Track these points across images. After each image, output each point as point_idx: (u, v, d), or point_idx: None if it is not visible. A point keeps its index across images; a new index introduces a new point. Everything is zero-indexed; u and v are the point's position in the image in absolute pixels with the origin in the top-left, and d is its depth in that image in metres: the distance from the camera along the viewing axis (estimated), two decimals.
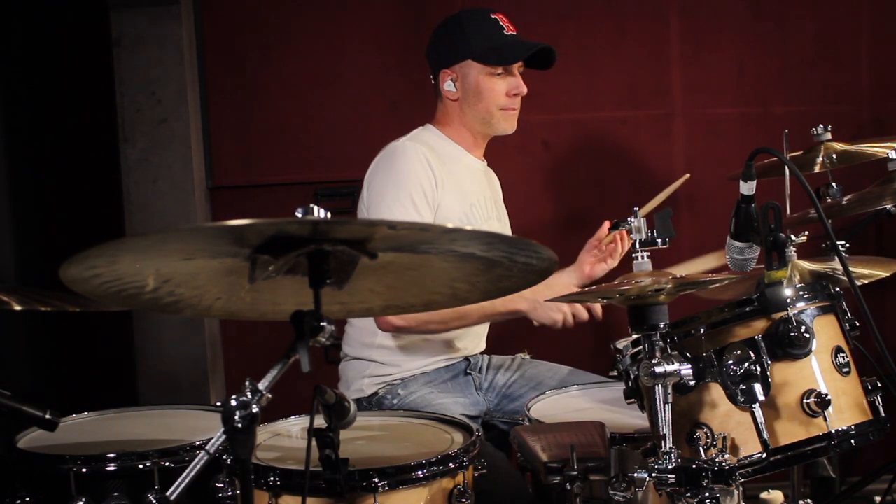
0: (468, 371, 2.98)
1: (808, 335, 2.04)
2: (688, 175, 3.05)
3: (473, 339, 3.01)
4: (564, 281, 2.96)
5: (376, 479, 2.01)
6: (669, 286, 1.97)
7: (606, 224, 3.00)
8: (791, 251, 2.31)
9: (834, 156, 3.09)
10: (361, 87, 3.87)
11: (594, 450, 2.11)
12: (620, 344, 2.15)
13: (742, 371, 2.04)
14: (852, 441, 2.07)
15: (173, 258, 1.63)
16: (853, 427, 2.07)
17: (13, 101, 3.58)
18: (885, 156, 2.88)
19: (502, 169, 3.18)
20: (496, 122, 2.93)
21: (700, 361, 2.05)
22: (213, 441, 1.64)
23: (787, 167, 2.43)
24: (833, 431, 2.04)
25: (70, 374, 3.69)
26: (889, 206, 2.94)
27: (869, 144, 3.09)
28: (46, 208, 3.72)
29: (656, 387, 1.98)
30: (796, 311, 2.07)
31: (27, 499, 2.26)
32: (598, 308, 2.82)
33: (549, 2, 3.86)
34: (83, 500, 2.22)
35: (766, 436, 2.01)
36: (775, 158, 2.42)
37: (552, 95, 3.79)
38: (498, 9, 2.95)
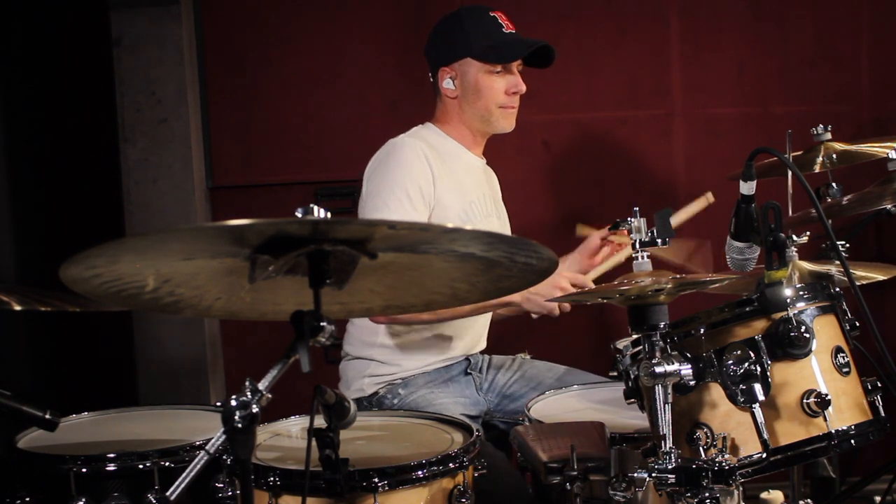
0: (468, 371, 2.98)
1: (808, 335, 2.04)
2: (710, 196, 3.02)
3: (474, 339, 3.01)
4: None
5: (376, 479, 2.01)
6: (669, 286, 1.97)
7: (603, 232, 2.99)
8: (792, 251, 2.31)
9: (834, 156, 3.09)
10: (361, 87, 3.87)
11: (594, 450, 2.11)
12: (620, 344, 2.15)
13: (742, 371, 2.04)
14: (852, 441, 2.07)
15: (173, 258, 1.63)
16: (853, 427, 2.07)
17: (13, 101, 3.58)
18: (885, 156, 2.88)
19: (502, 169, 3.18)
20: (495, 120, 2.93)
21: (700, 361, 2.05)
22: (213, 441, 1.64)
23: (787, 167, 2.44)
24: (833, 431, 2.04)
25: (70, 374, 3.69)
26: (889, 207, 2.94)
27: (869, 144, 3.10)
28: (46, 208, 3.72)
29: (656, 387, 1.98)
30: (796, 311, 2.07)
31: (27, 499, 2.26)
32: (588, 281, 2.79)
33: (549, 2, 3.87)
34: (83, 500, 2.22)
35: (766, 436, 2.01)
36: (775, 158, 2.42)
37: (552, 95, 3.79)
38: (497, 8, 2.95)
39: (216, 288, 1.76)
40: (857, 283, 2.21)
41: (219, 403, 2.55)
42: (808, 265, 2.77)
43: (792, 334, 2.03)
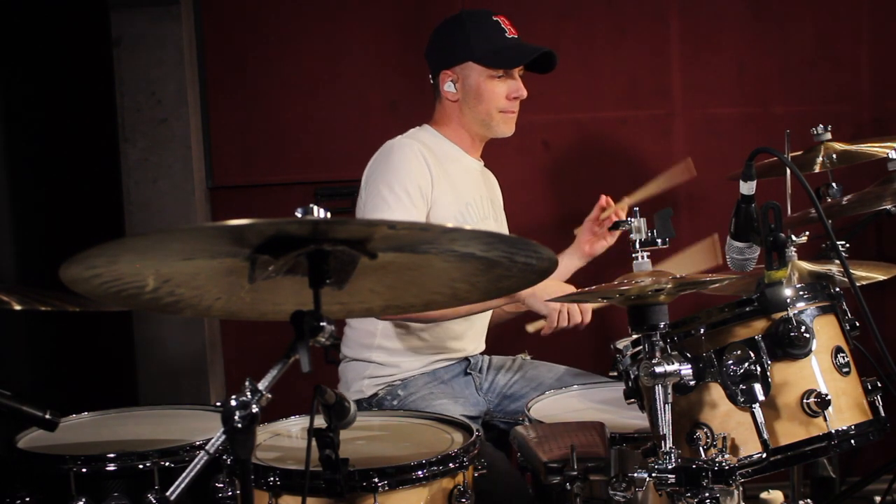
0: (468, 371, 2.98)
1: (808, 335, 2.04)
2: (690, 162, 3.06)
3: (473, 340, 3.01)
4: (566, 263, 3.00)
5: (376, 479, 2.01)
6: (669, 286, 1.97)
7: (603, 197, 3.02)
8: (791, 251, 2.31)
9: (834, 156, 3.09)
10: (361, 87, 3.87)
11: (594, 450, 2.11)
12: (620, 344, 2.15)
13: (742, 371, 2.04)
14: (852, 441, 2.07)
15: (173, 258, 1.63)
16: (853, 427, 2.07)
17: (13, 101, 3.58)
18: (885, 156, 2.88)
19: (502, 169, 3.18)
20: (495, 124, 2.93)
21: (700, 361, 2.05)
22: (213, 441, 1.64)
23: (787, 167, 2.44)
24: (833, 431, 2.04)
25: (70, 374, 3.69)
26: (889, 207, 2.94)
27: (869, 144, 3.10)
28: (46, 208, 3.72)
29: (656, 387, 1.98)
30: (796, 311, 2.07)
31: (27, 499, 2.25)
32: (588, 314, 2.81)
33: (549, 2, 3.87)
34: (83, 500, 2.22)
35: (766, 436, 2.01)
36: (775, 158, 2.42)
37: (552, 95, 3.79)
38: (498, 8, 2.96)
39: (216, 288, 1.76)
40: (857, 283, 2.21)
41: (219, 403, 2.55)
42: (808, 265, 2.78)
43: (792, 334, 2.03)
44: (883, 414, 2.13)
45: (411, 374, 2.90)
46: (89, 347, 3.69)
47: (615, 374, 2.17)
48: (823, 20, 3.88)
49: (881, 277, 2.75)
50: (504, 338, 3.19)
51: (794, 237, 2.32)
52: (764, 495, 3.16)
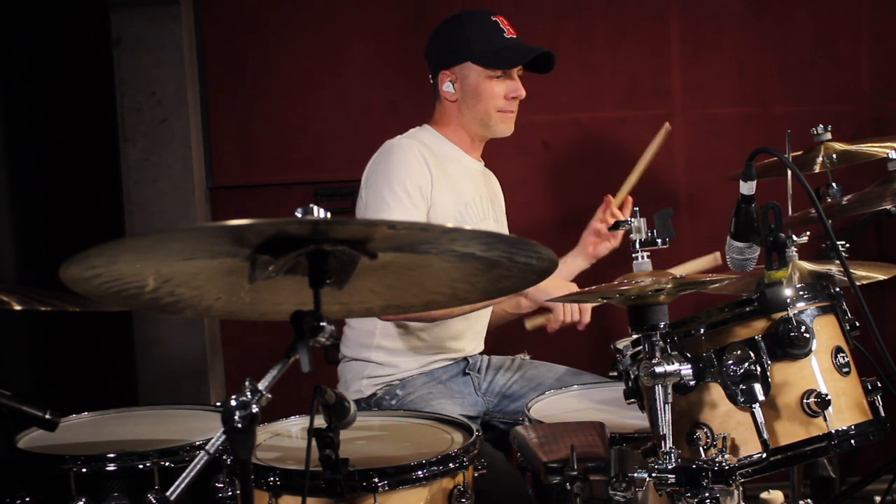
0: (467, 371, 2.98)
1: (808, 335, 2.04)
2: (667, 125, 3.09)
3: (473, 340, 3.01)
4: (570, 265, 3.02)
5: (376, 479, 2.01)
6: (669, 286, 1.97)
7: (608, 197, 3.03)
8: (792, 251, 2.31)
9: (834, 156, 3.09)
10: (361, 87, 3.87)
11: (594, 450, 2.11)
12: (620, 344, 2.15)
13: (742, 371, 2.04)
14: (852, 441, 2.07)
15: (173, 258, 1.63)
16: (853, 427, 2.07)
17: (13, 101, 3.58)
18: (885, 156, 2.88)
19: (502, 169, 3.18)
20: (493, 123, 2.93)
21: (700, 361, 2.05)
22: (213, 441, 1.64)
23: (787, 167, 2.44)
24: (833, 431, 2.04)
25: (70, 374, 3.69)
26: (889, 207, 2.94)
27: (869, 144, 3.10)
28: (46, 208, 3.72)
29: (656, 387, 1.98)
30: (796, 311, 2.07)
31: (27, 499, 2.25)
32: (587, 314, 2.83)
33: (549, 2, 3.87)
34: (83, 500, 2.22)
35: (766, 436, 2.01)
36: (775, 158, 2.42)
37: (552, 95, 3.79)
38: (498, 8, 2.96)
39: (216, 288, 1.76)
40: (857, 283, 2.21)
41: (219, 403, 2.55)
42: (808, 265, 2.77)
43: (792, 334, 2.03)
44: (883, 414, 2.13)
45: (410, 373, 2.90)
46: (89, 347, 3.70)
47: (615, 374, 2.17)
48: (823, 20, 3.88)
49: (881, 277, 2.75)
50: (503, 338, 3.19)
51: (794, 237, 2.31)
52: (764, 495, 3.16)
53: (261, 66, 3.86)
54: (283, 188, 3.87)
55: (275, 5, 3.87)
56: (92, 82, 3.81)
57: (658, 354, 2.00)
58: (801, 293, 2.11)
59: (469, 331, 2.97)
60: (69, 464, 2.24)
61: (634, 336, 2.09)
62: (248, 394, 1.59)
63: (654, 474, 1.96)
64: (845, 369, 2.10)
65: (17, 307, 2.17)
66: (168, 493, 1.64)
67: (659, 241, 2.13)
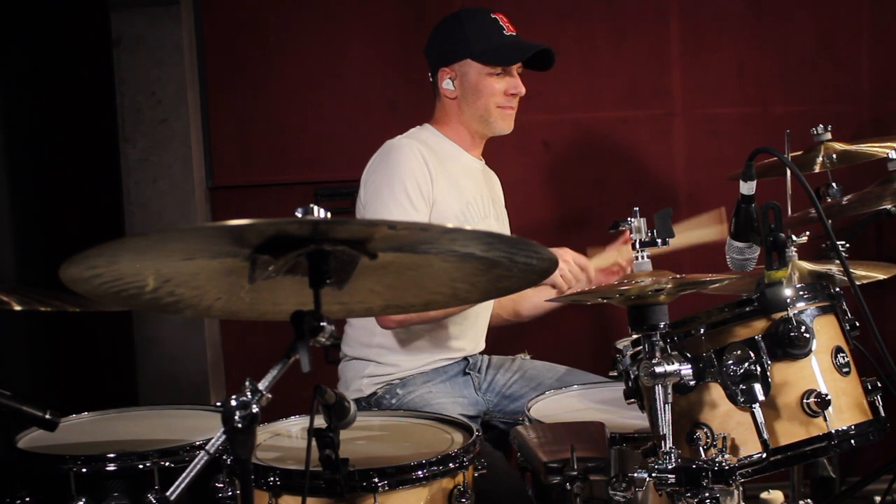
0: (467, 371, 2.98)
1: (808, 335, 2.04)
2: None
3: (473, 340, 3.01)
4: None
5: (376, 479, 2.01)
6: (669, 286, 1.97)
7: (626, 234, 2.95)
8: (792, 251, 2.31)
9: (834, 156, 3.09)
10: (361, 87, 3.87)
11: (594, 450, 2.11)
12: (620, 344, 2.15)
13: (742, 371, 2.04)
14: (852, 441, 2.07)
15: (173, 258, 1.63)
16: (853, 427, 2.07)
17: (13, 102, 3.58)
18: (885, 156, 2.88)
19: (502, 169, 3.18)
20: (493, 121, 2.93)
21: (700, 361, 2.05)
22: (213, 441, 1.64)
23: (787, 167, 2.44)
24: (833, 431, 2.04)
25: (70, 374, 3.69)
26: (889, 207, 2.94)
27: (869, 144, 3.10)
28: (46, 208, 3.72)
29: (656, 387, 1.97)
30: (796, 311, 2.07)
31: (27, 499, 2.25)
32: (591, 271, 2.78)
33: (549, 2, 3.87)
34: (83, 500, 2.22)
35: (766, 436, 2.01)
36: (775, 158, 2.42)
37: (552, 95, 3.79)
38: (498, 8, 2.96)
39: (216, 288, 1.76)
40: (857, 283, 2.21)
41: (219, 403, 2.55)
42: (808, 265, 2.77)
43: (792, 334, 2.03)
44: (883, 414, 2.12)
45: (410, 373, 2.90)
46: (89, 347, 3.70)
47: (615, 374, 2.17)
48: (823, 20, 3.88)
49: (881, 277, 2.75)
50: (504, 338, 3.19)
51: (794, 237, 2.31)
52: (764, 495, 3.16)
53: (261, 66, 3.86)
54: (283, 188, 3.87)
55: (275, 5, 3.88)
56: (92, 82, 3.81)
57: (658, 354, 2.00)
58: (801, 293, 2.11)
59: (469, 330, 2.97)
60: (69, 464, 2.24)
61: (634, 336, 2.09)
62: (248, 394, 1.59)
63: (654, 474, 1.96)
64: (845, 369, 2.10)
65: (17, 307, 2.17)
66: (168, 493, 1.64)
67: (659, 241, 2.13)
